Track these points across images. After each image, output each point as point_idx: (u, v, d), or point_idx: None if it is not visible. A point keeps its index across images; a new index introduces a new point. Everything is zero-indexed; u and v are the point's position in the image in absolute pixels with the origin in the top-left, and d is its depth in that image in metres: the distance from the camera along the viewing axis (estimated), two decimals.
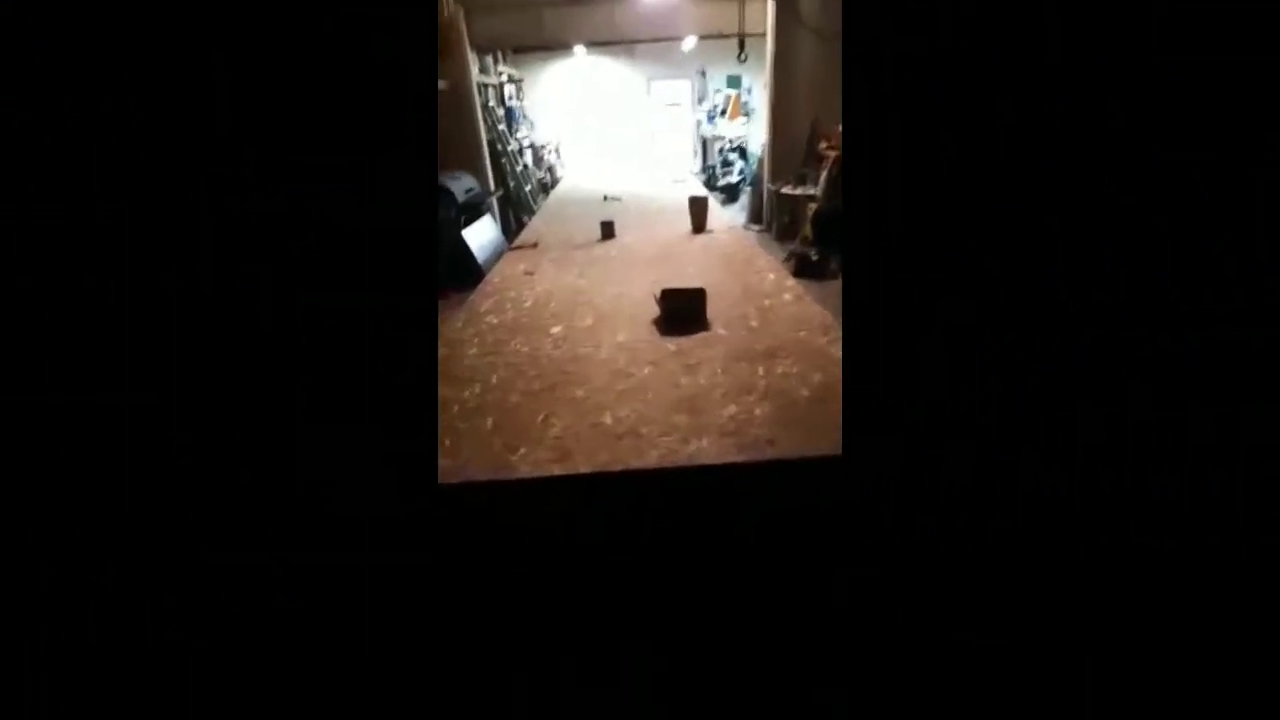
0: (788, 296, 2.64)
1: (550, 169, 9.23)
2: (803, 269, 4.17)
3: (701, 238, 3.80)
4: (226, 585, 0.66)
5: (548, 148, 9.37)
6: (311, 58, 0.59)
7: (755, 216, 5.96)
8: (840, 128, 4.92)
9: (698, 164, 8.91)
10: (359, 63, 0.61)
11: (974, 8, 0.58)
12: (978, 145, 0.60)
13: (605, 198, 5.13)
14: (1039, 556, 0.60)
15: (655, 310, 2.56)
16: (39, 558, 0.62)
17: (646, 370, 2.06)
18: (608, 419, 1.72)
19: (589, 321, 2.51)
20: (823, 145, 5.30)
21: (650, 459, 1.54)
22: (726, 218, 4.50)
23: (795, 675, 1.12)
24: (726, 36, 4.57)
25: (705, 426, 1.70)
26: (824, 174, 4.53)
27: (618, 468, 1.49)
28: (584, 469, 1.45)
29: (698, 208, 3.92)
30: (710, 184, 7.78)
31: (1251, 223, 0.50)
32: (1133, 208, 0.54)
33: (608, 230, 3.88)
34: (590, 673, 1.07)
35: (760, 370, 2.02)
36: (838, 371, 1.98)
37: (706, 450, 1.59)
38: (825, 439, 1.61)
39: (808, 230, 4.79)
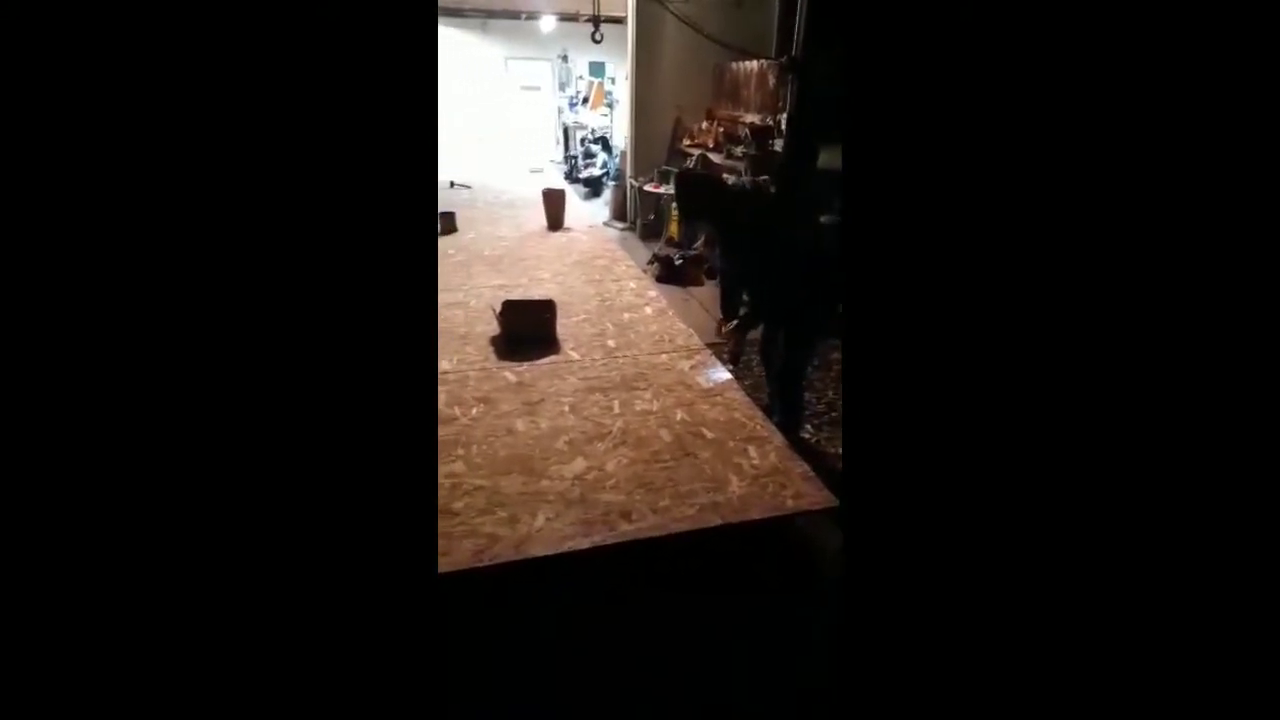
0: (649, 310, 2.33)
1: None
2: (667, 274, 3.91)
3: (557, 236, 3.40)
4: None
5: None
6: (309, 54, 0.57)
7: (619, 213, 5.62)
8: (703, 124, 4.71)
9: (560, 153, 8.38)
10: (358, 60, 0.58)
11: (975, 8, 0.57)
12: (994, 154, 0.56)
13: (452, 184, 4.53)
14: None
15: (495, 326, 2.12)
16: None
17: (474, 411, 1.63)
18: None
19: None
20: (685, 143, 5.08)
21: (459, 556, 1.13)
22: (588, 214, 4.12)
23: None
24: (586, 20, 4.15)
25: (542, 494, 1.31)
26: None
27: None
28: None
29: (553, 202, 3.51)
30: (571, 176, 7.30)
31: (1255, 222, 0.49)
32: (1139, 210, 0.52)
33: (448, 223, 3.34)
34: None
35: (616, 406, 1.67)
36: (704, 407, 1.70)
37: (541, 535, 1.20)
38: (688, 503, 1.30)
39: (673, 231, 4.56)
